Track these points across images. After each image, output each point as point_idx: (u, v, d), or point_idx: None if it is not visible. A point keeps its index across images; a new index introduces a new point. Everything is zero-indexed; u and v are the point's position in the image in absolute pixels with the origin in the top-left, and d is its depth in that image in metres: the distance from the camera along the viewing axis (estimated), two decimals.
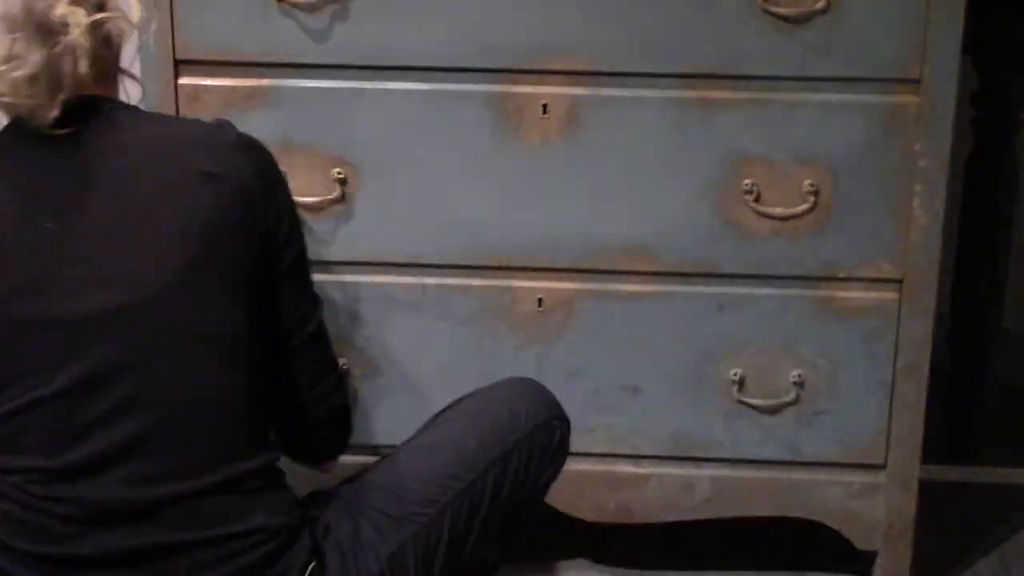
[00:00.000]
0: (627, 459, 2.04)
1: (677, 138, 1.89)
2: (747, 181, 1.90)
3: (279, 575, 1.42)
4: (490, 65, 1.88)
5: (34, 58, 1.37)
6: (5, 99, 1.39)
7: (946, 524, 2.28)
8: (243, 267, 1.43)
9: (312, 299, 1.57)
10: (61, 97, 1.39)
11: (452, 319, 1.98)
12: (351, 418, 1.65)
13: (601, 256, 1.95)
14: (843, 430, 2.00)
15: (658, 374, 1.99)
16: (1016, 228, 2.45)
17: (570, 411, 2.01)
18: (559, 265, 1.96)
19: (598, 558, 2.20)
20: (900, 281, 1.93)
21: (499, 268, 1.96)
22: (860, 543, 2.05)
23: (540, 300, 1.97)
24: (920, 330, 1.94)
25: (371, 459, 1.74)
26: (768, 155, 1.89)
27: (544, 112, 1.89)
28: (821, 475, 2.03)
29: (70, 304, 1.38)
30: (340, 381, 1.62)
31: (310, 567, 1.43)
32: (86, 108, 1.42)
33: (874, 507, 2.03)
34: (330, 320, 1.96)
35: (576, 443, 2.02)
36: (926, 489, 2.06)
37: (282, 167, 1.91)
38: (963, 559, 2.21)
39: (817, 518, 2.05)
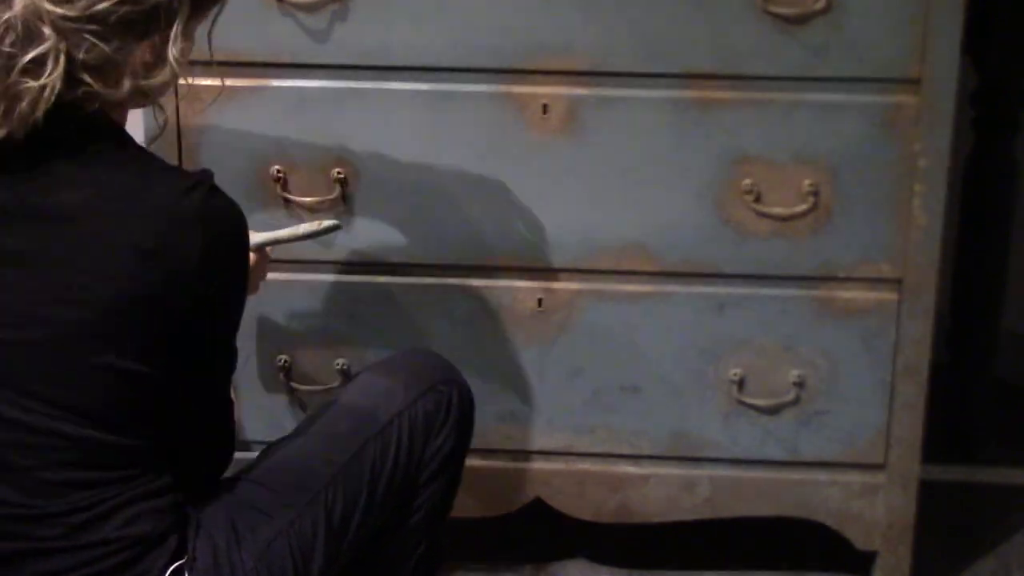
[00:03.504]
0: (627, 459, 2.04)
1: (677, 138, 1.89)
2: (747, 181, 1.90)
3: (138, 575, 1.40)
4: (490, 65, 1.88)
5: None
6: None
7: (946, 524, 2.28)
8: (152, 333, 1.36)
9: (222, 364, 1.49)
10: (5, 131, 1.32)
11: (452, 319, 1.98)
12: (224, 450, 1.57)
13: (601, 256, 1.95)
14: (843, 430, 2.00)
15: (658, 374, 1.99)
16: (1016, 228, 2.45)
17: (570, 411, 2.02)
18: (559, 265, 1.96)
19: (598, 558, 2.20)
20: (900, 281, 1.93)
21: (499, 268, 1.96)
22: (860, 543, 2.05)
23: (540, 300, 1.97)
24: (920, 330, 1.94)
25: None
26: (768, 155, 1.89)
27: (544, 112, 1.89)
28: (821, 475, 2.03)
29: None
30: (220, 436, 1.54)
31: (172, 568, 1.41)
32: (67, 125, 1.35)
33: (874, 507, 2.03)
34: (330, 320, 1.97)
35: (576, 443, 2.03)
36: (926, 489, 2.06)
37: (281, 167, 1.93)
38: (963, 559, 2.21)
39: (817, 518, 2.05)
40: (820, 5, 1.82)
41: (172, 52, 1.37)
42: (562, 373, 2.00)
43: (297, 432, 1.62)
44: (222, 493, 1.53)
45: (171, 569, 1.41)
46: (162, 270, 1.34)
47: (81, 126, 1.36)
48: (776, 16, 1.83)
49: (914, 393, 1.97)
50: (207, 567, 1.43)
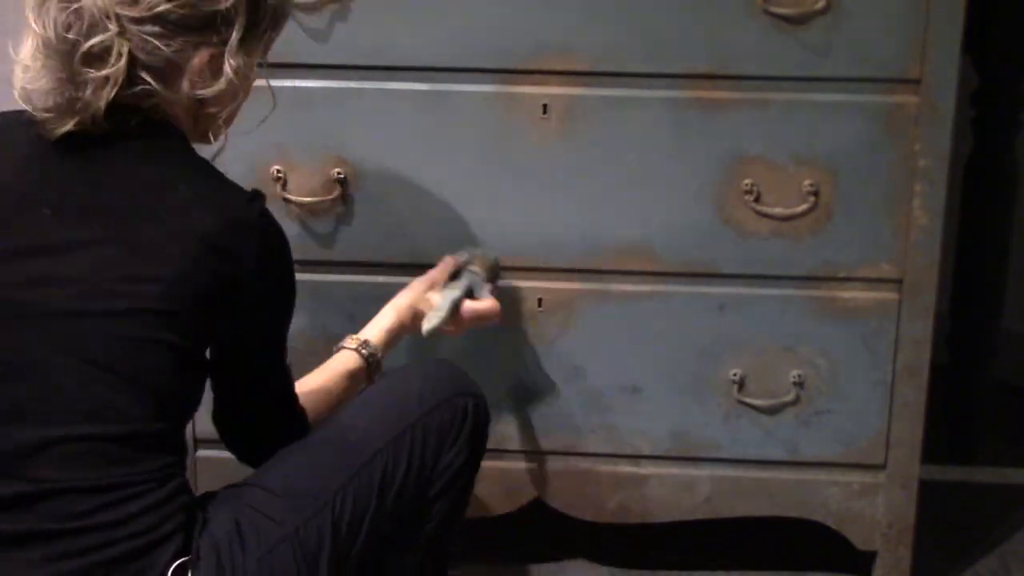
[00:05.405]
0: (627, 459, 2.04)
1: (677, 138, 1.89)
2: (747, 181, 1.90)
3: (141, 570, 1.40)
4: (490, 65, 1.88)
5: (49, 82, 1.40)
6: (20, 101, 1.42)
7: (946, 524, 2.28)
8: (205, 320, 1.44)
9: (276, 373, 1.57)
10: (73, 120, 1.40)
11: None
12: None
13: (601, 256, 1.95)
14: (843, 430, 2.00)
15: (658, 374, 1.99)
16: (1016, 228, 2.45)
17: (570, 411, 2.02)
18: (559, 265, 1.96)
19: (598, 558, 2.20)
20: (900, 281, 1.93)
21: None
22: (860, 543, 2.05)
23: (540, 300, 1.97)
24: (920, 330, 1.94)
25: None
26: (768, 155, 1.89)
27: (544, 112, 1.89)
28: (821, 475, 2.03)
29: (18, 292, 1.40)
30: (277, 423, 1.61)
31: (175, 565, 1.41)
32: (129, 120, 1.42)
33: (874, 507, 2.03)
34: (331, 320, 1.97)
35: (576, 443, 2.03)
36: (926, 489, 2.06)
37: (281, 167, 1.93)
38: (963, 559, 2.21)
39: (817, 518, 2.05)
40: (820, 5, 1.82)
41: (229, 63, 1.44)
42: (562, 373, 2.00)
43: (311, 436, 1.61)
44: (228, 495, 1.53)
45: (174, 566, 1.41)
46: (223, 264, 1.42)
47: (144, 123, 1.43)
48: (776, 16, 1.83)
49: (914, 393, 1.97)
50: (209, 567, 1.43)
